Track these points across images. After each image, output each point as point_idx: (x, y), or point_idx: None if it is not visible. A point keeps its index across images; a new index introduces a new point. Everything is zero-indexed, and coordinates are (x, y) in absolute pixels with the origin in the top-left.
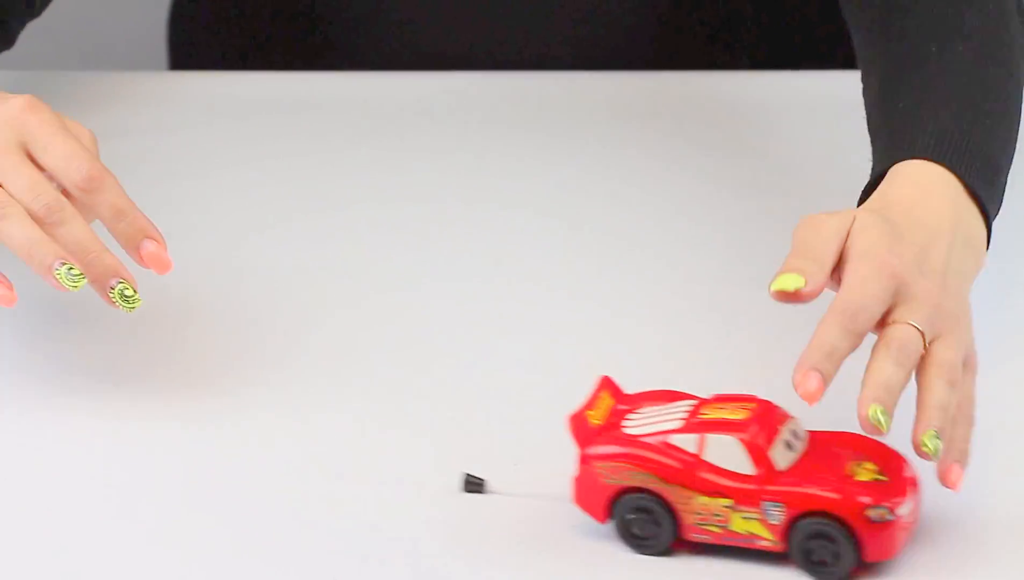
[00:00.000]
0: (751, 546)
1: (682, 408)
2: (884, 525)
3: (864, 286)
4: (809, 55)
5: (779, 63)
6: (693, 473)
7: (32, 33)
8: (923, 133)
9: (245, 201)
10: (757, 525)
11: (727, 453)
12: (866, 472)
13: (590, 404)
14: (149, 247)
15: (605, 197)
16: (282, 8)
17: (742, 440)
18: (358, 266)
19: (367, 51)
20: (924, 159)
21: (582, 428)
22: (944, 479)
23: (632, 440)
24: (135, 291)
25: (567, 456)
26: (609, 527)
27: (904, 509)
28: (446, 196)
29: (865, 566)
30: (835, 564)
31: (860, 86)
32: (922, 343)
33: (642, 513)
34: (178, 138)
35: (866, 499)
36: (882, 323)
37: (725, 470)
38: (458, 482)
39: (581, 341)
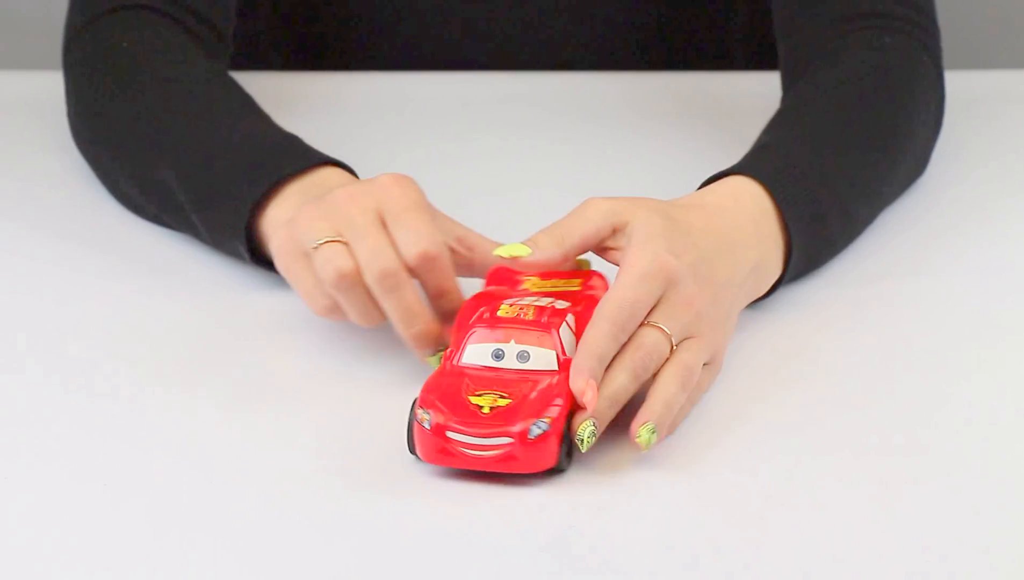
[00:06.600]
0: None
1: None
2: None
3: (636, 289)
4: None
5: (776, 63)
6: None
7: (32, 33)
8: (763, 156)
9: None
10: None
11: None
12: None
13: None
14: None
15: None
16: (282, 7)
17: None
18: None
19: (367, 52)
20: (748, 176)
21: None
22: (634, 437)
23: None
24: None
25: None
26: None
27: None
28: (445, 193)
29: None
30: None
31: None
32: (668, 347)
33: None
34: None
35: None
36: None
37: None
38: None
39: None
